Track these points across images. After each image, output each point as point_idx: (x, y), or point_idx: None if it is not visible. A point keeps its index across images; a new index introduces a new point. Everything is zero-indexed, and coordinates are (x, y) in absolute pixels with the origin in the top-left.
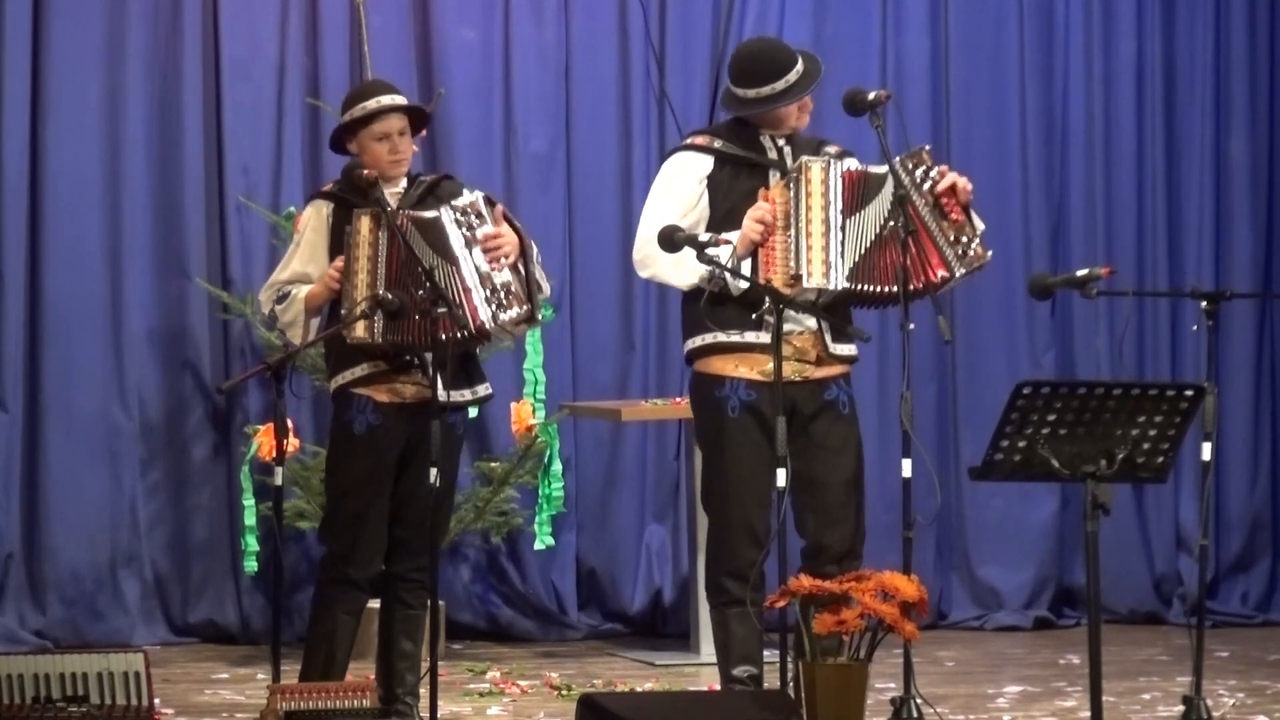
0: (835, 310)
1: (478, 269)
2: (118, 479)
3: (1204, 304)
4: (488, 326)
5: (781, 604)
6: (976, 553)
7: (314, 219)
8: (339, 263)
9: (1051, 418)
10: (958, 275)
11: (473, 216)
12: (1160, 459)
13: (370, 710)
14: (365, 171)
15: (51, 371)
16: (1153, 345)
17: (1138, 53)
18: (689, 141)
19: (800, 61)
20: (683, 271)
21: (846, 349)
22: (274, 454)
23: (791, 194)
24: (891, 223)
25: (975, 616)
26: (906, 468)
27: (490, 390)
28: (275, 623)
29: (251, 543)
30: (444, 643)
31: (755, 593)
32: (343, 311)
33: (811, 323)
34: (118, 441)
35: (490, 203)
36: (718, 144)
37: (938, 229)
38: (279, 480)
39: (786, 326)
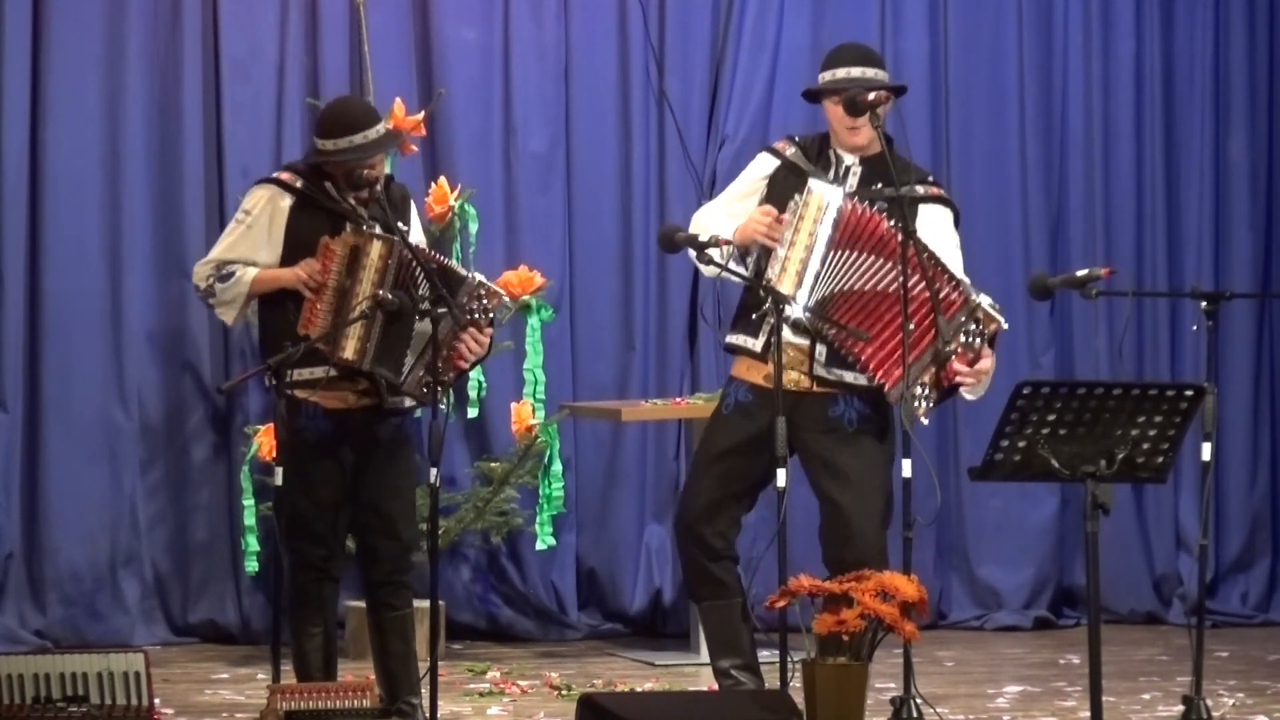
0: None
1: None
2: (118, 479)
3: (1204, 304)
4: (394, 380)
5: (781, 604)
6: (976, 553)
7: (271, 207)
8: (314, 266)
9: (1051, 418)
10: (888, 396)
11: (487, 304)
12: (1160, 459)
13: (370, 710)
14: (366, 171)
15: (51, 371)
16: (1152, 345)
17: (1137, 53)
18: (771, 144)
19: (865, 69)
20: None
21: (850, 376)
22: (274, 454)
23: (789, 210)
24: (889, 292)
25: (975, 616)
26: (906, 468)
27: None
28: (275, 623)
29: (251, 543)
30: (444, 643)
31: (721, 586)
32: (323, 318)
33: (804, 339)
34: (118, 441)
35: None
36: (789, 151)
37: (923, 362)
38: (279, 480)
39: (785, 336)
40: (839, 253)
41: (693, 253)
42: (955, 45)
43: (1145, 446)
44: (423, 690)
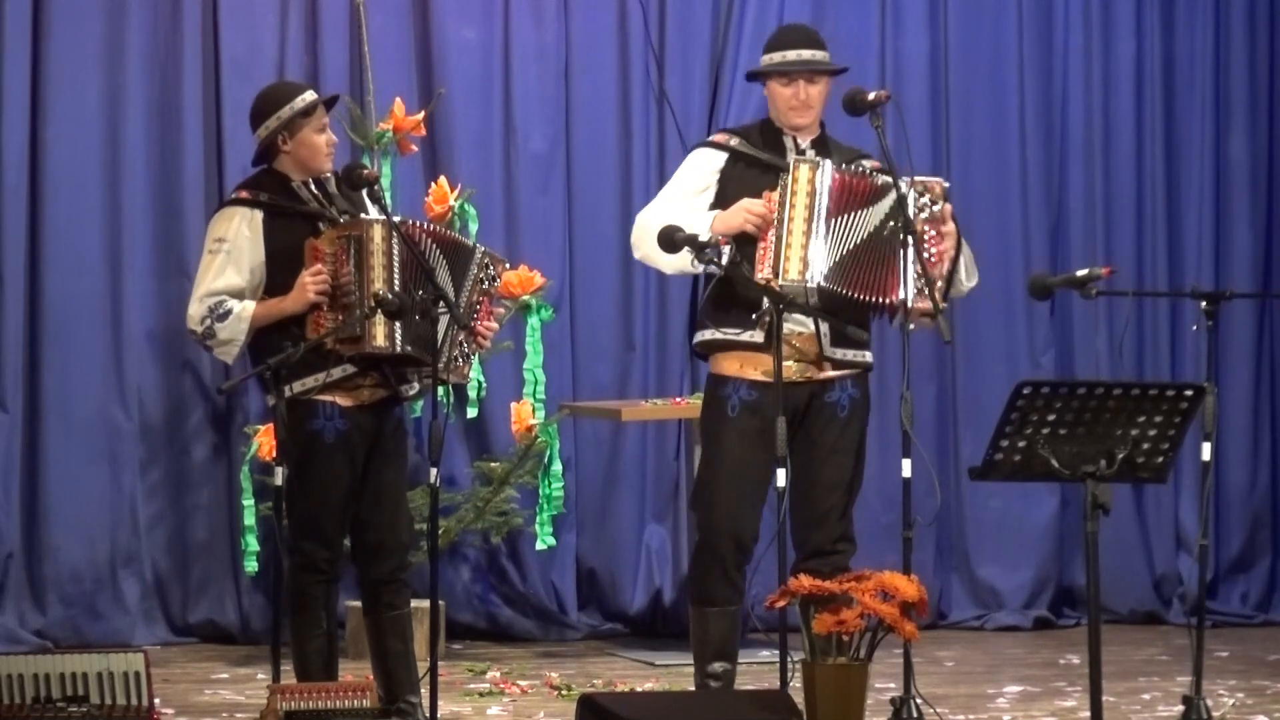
0: (840, 314)
1: (461, 313)
2: (118, 479)
3: (1204, 304)
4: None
5: (781, 604)
6: (976, 553)
7: (246, 228)
8: (319, 275)
9: (1051, 418)
10: (910, 313)
11: (493, 270)
12: (1160, 459)
13: (370, 710)
14: (366, 171)
15: (51, 371)
16: (1153, 345)
17: (1137, 53)
18: (710, 138)
19: (814, 52)
20: (668, 255)
21: (852, 354)
22: (274, 454)
23: (779, 192)
24: (884, 233)
25: (975, 616)
26: (906, 468)
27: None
28: (275, 623)
29: (251, 543)
30: (444, 643)
31: (736, 592)
32: (331, 320)
33: (810, 324)
34: (118, 442)
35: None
36: (734, 142)
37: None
38: (279, 480)
39: (787, 327)
40: (837, 219)
41: (689, 255)
42: (955, 45)
43: (1145, 446)
44: (423, 690)
